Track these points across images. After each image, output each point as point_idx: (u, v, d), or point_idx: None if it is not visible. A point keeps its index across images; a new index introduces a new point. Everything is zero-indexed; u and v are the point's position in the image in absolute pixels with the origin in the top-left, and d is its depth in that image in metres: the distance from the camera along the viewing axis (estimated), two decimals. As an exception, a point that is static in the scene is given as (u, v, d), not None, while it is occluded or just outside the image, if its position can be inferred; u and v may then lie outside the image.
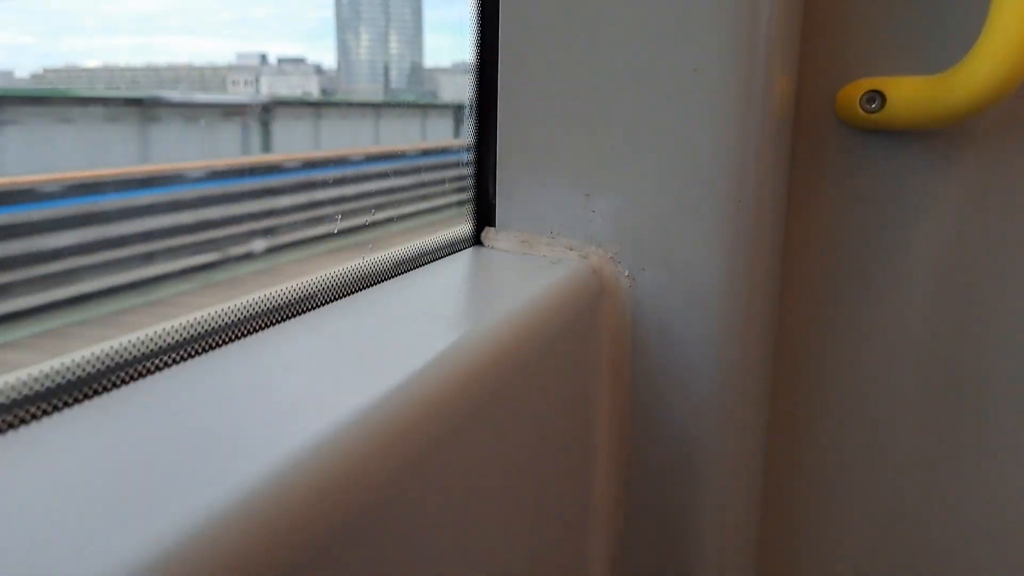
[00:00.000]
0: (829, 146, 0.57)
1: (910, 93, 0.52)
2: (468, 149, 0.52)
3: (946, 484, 0.58)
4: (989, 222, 0.54)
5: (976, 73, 0.48)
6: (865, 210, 0.57)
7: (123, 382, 0.28)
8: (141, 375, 0.29)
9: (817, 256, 0.59)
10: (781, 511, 0.64)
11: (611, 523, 0.51)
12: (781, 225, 0.58)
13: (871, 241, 0.57)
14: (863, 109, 0.54)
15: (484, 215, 0.52)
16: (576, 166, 0.48)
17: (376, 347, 0.34)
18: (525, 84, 0.49)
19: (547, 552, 0.43)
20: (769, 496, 0.64)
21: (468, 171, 0.52)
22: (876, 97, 0.53)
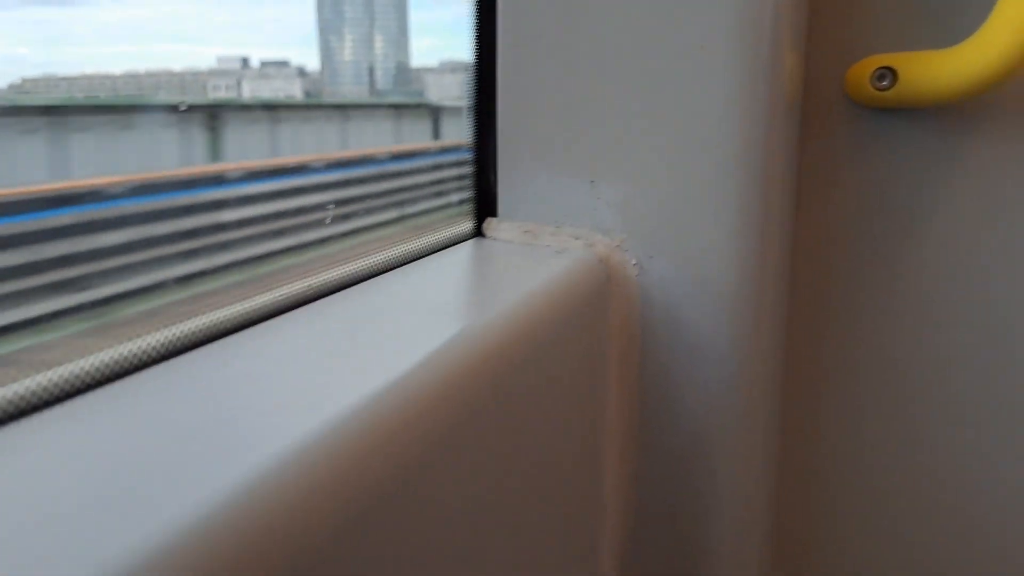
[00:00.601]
0: (840, 125, 0.56)
1: (922, 68, 0.50)
2: (467, 140, 0.51)
3: (966, 470, 0.57)
4: (1008, 199, 0.53)
5: (990, 45, 0.47)
6: (878, 190, 0.56)
7: (116, 377, 0.27)
8: (136, 369, 0.28)
9: (830, 239, 0.58)
10: (797, 503, 0.63)
11: (621, 518, 0.49)
12: (792, 208, 0.56)
13: (885, 222, 0.56)
14: (874, 87, 0.52)
15: (486, 206, 0.50)
16: (579, 152, 0.47)
17: (373, 340, 0.33)
18: (525, 69, 0.47)
19: (556, 549, 0.42)
20: (784, 488, 0.63)
21: (467, 160, 0.50)
22: (887, 74, 0.52)
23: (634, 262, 0.47)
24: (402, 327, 0.35)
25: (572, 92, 0.47)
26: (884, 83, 0.52)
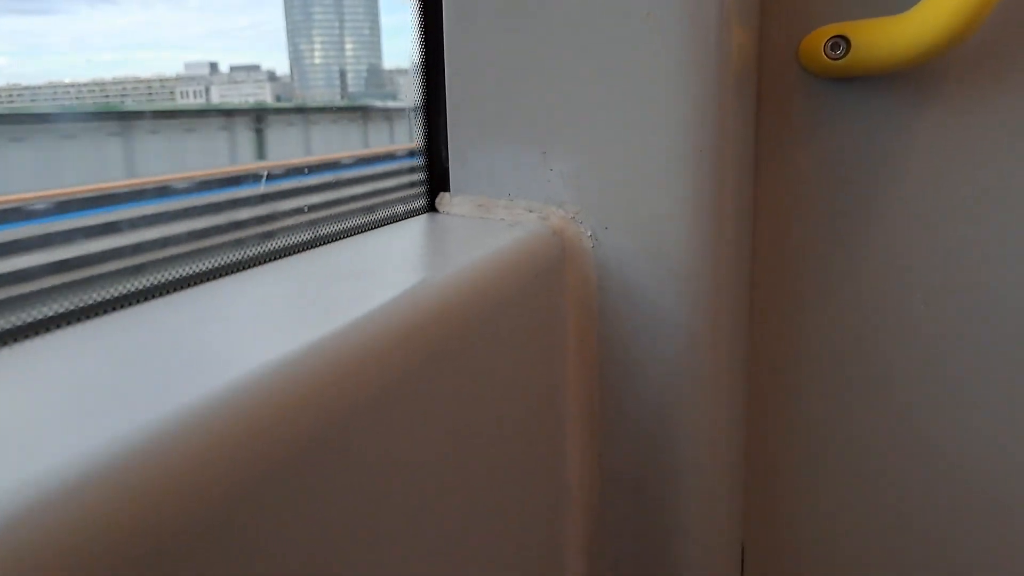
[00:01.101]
0: (795, 96, 0.56)
1: (874, 36, 0.51)
2: (416, 111, 0.50)
3: (933, 441, 0.58)
4: (962, 163, 0.53)
5: (940, 9, 0.47)
6: (835, 159, 0.56)
7: (86, 317, 0.29)
8: (96, 315, 0.29)
9: (788, 209, 0.58)
10: (766, 476, 0.63)
11: (586, 493, 0.49)
12: (749, 179, 0.56)
13: (843, 190, 0.56)
14: (828, 56, 0.52)
15: (438, 181, 0.50)
16: (530, 124, 0.47)
17: (314, 300, 0.33)
18: (472, 41, 0.47)
19: (517, 524, 0.41)
20: (752, 462, 0.63)
21: (418, 133, 0.50)
22: (840, 43, 0.52)
23: (589, 234, 0.46)
24: (349, 286, 0.35)
25: (520, 63, 0.46)
26: (837, 52, 0.52)
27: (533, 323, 0.42)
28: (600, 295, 0.47)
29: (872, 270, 0.57)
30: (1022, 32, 0.50)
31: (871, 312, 0.57)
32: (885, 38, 0.50)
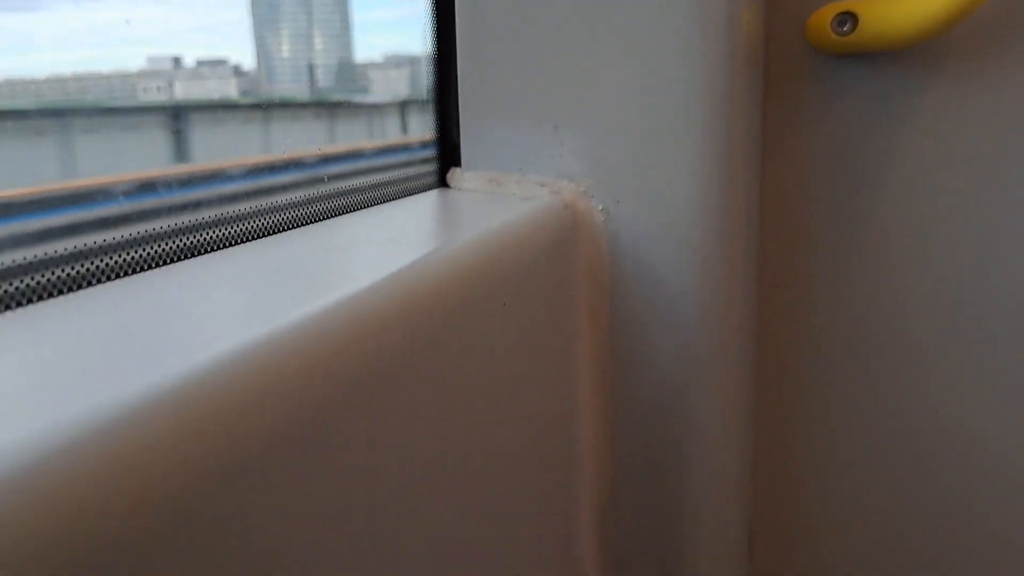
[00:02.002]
0: (802, 73, 0.57)
1: (881, 11, 0.52)
2: (426, 86, 0.50)
3: (945, 423, 0.59)
4: (969, 139, 0.54)
5: None
6: (843, 136, 0.57)
7: (71, 289, 0.27)
8: (89, 284, 0.28)
9: (796, 184, 0.59)
10: (775, 459, 0.64)
11: (599, 472, 0.49)
12: (758, 154, 0.57)
13: (851, 166, 0.57)
14: (835, 32, 0.53)
15: (449, 156, 0.50)
16: (541, 99, 0.47)
17: (329, 266, 0.33)
18: (483, 16, 0.47)
19: (532, 502, 0.42)
20: (761, 441, 0.64)
21: (430, 110, 0.50)
22: (847, 19, 0.53)
23: (600, 208, 0.47)
24: (359, 255, 0.35)
25: (531, 38, 0.47)
26: (845, 28, 0.53)
27: (545, 296, 0.43)
28: (612, 268, 0.48)
29: (881, 246, 0.58)
30: None
31: (881, 289, 0.58)
32: (891, 14, 0.51)
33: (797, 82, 0.57)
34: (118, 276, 0.30)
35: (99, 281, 0.29)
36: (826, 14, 0.54)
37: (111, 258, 0.30)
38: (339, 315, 0.26)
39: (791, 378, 0.62)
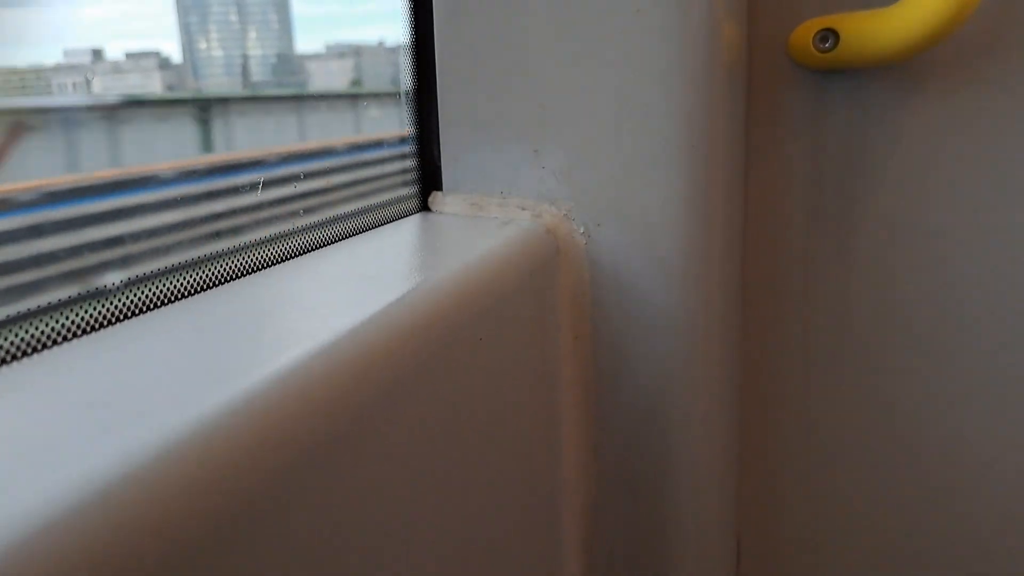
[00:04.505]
0: (785, 89, 0.58)
1: (863, 28, 0.53)
2: (408, 110, 0.50)
3: (927, 430, 0.61)
4: (951, 155, 0.56)
5: (928, 3, 0.50)
6: (826, 151, 0.59)
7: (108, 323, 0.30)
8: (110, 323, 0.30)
9: (779, 201, 0.60)
10: (760, 469, 0.65)
11: (583, 490, 0.51)
12: (740, 171, 0.59)
13: (834, 182, 0.59)
14: (817, 49, 0.55)
15: (430, 179, 0.50)
16: (522, 121, 0.48)
17: (311, 306, 0.34)
18: (462, 39, 0.48)
19: (517, 524, 0.43)
20: (746, 454, 0.65)
21: (411, 132, 0.50)
22: (829, 35, 0.54)
23: (582, 231, 0.48)
24: (342, 294, 0.36)
25: (510, 61, 0.47)
26: (827, 45, 0.55)
27: (527, 321, 0.44)
28: (593, 291, 0.49)
29: (863, 261, 0.60)
30: (1011, 25, 0.54)
31: (862, 303, 0.60)
32: (873, 32, 0.53)
33: (780, 97, 0.59)
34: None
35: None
36: (808, 30, 0.55)
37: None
38: (309, 369, 0.27)
39: (776, 389, 0.64)
